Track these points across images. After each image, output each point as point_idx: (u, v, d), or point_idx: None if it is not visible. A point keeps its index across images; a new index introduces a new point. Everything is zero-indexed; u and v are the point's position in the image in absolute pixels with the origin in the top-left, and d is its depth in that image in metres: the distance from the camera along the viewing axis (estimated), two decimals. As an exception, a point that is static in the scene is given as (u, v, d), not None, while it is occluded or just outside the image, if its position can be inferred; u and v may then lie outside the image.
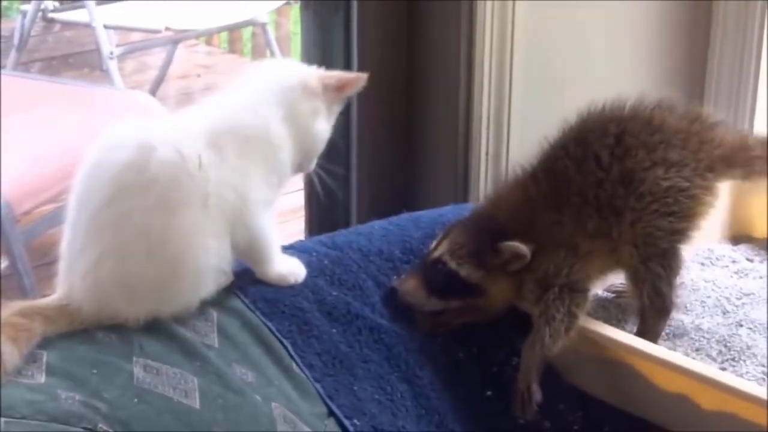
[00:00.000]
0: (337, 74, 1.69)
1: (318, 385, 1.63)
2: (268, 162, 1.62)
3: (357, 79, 1.69)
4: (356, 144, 2.30)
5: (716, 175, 1.76)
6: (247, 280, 1.70)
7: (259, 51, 5.62)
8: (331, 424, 1.60)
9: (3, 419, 1.33)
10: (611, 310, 1.86)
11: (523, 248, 1.69)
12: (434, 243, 1.78)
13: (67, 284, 1.56)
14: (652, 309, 1.77)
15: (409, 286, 1.76)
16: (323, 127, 1.67)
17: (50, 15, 4.57)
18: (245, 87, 1.67)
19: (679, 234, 1.76)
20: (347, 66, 2.27)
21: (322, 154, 1.70)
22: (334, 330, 1.70)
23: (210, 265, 1.57)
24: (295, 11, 5.54)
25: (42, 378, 1.43)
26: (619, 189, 1.71)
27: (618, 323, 1.82)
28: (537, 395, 1.70)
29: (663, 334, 1.80)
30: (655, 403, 1.69)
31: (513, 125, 2.26)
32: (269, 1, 4.85)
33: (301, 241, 1.90)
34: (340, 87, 1.67)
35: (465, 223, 1.79)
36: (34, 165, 3.16)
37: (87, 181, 1.55)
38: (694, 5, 2.46)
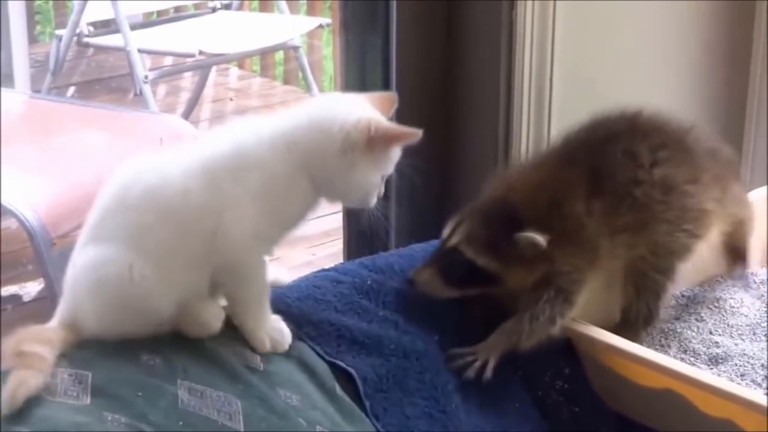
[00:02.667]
0: (385, 128, 1.56)
1: (367, 402, 1.63)
2: (269, 203, 1.55)
3: (409, 134, 1.57)
4: (395, 174, 2.30)
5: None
6: (289, 302, 1.70)
7: (291, 74, 5.65)
8: (378, 443, 1.60)
9: (50, 442, 1.33)
10: (654, 336, 1.85)
11: (539, 239, 1.66)
12: (448, 230, 1.75)
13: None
14: (646, 315, 1.80)
15: (425, 276, 1.74)
16: (362, 179, 1.56)
17: (85, 40, 4.59)
18: (280, 126, 1.58)
19: (690, 253, 1.79)
20: (386, 85, 2.27)
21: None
22: (383, 349, 1.69)
23: (178, 283, 1.54)
24: (327, 35, 5.56)
25: (87, 399, 1.43)
26: (658, 194, 1.72)
27: (661, 348, 1.82)
28: (489, 373, 1.69)
29: (706, 359, 1.79)
30: (698, 429, 1.67)
31: (553, 133, 2.25)
32: (302, 25, 4.86)
33: (342, 264, 1.90)
34: (387, 141, 1.56)
35: (479, 209, 1.76)
36: (69, 188, 3.16)
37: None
38: (736, 5, 2.45)
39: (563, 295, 1.71)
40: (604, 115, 1.80)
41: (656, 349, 1.79)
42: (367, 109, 1.57)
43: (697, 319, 1.89)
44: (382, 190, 1.61)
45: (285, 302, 1.70)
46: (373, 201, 1.60)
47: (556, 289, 1.71)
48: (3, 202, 2.97)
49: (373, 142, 1.54)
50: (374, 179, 1.57)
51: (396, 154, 1.59)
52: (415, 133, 1.56)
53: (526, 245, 1.67)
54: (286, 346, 1.62)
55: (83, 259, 1.55)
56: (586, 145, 1.75)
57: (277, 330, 1.62)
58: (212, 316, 1.59)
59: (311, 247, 4.10)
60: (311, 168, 1.55)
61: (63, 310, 1.57)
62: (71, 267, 1.57)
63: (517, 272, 1.71)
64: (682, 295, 1.95)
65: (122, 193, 1.54)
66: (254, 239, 1.55)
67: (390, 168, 1.59)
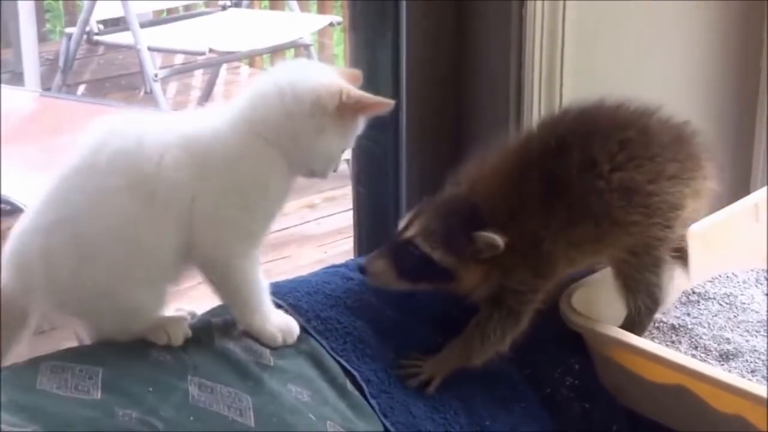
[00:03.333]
0: (358, 95, 1.53)
1: (374, 401, 1.63)
2: (249, 189, 1.53)
3: (380, 104, 1.56)
4: (405, 165, 2.30)
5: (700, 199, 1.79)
6: (299, 296, 1.71)
7: (301, 73, 5.64)
8: (386, 441, 1.60)
9: (62, 436, 1.34)
10: (665, 332, 1.85)
11: (497, 239, 1.63)
12: (404, 222, 1.71)
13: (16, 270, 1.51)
14: (645, 311, 1.78)
15: (378, 266, 1.69)
16: (328, 146, 1.54)
17: (95, 38, 4.60)
18: (250, 94, 1.54)
19: (669, 242, 1.77)
20: (396, 83, 2.27)
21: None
22: (389, 349, 1.69)
23: (141, 259, 1.50)
24: (337, 33, 5.56)
25: (98, 394, 1.43)
26: (618, 200, 1.68)
27: (672, 344, 1.82)
28: (431, 390, 1.67)
29: (717, 355, 1.79)
30: (709, 425, 1.67)
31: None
32: (312, 23, 4.86)
33: (352, 259, 1.91)
34: (358, 109, 1.54)
35: (439, 204, 1.72)
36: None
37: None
38: (747, 5, 2.44)
39: (514, 316, 1.69)
40: (561, 116, 1.76)
41: (667, 345, 1.79)
42: (338, 77, 1.56)
43: (708, 316, 1.88)
44: (339, 163, 1.59)
45: (295, 296, 1.71)
46: (330, 172, 1.59)
47: (507, 309, 1.69)
48: (12, 200, 2.98)
49: (344, 108, 1.52)
50: (338, 148, 1.56)
51: (360, 126, 1.57)
52: (387, 103, 1.56)
53: (485, 245, 1.64)
54: (296, 336, 1.62)
55: (35, 224, 1.51)
56: (544, 152, 1.69)
57: (284, 323, 1.62)
58: (175, 331, 1.56)
59: (322, 245, 4.11)
60: (279, 136, 1.52)
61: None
62: (23, 233, 1.52)
63: (473, 272, 1.68)
64: (693, 292, 1.95)
65: (91, 154, 1.49)
66: (236, 237, 1.54)
67: (352, 141, 1.58)
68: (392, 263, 1.68)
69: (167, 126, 1.53)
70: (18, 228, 1.53)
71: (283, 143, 1.52)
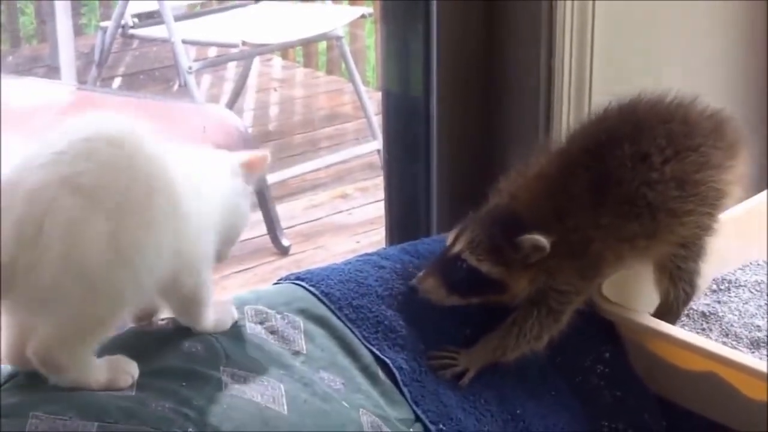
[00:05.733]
0: (245, 154, 1.58)
1: (405, 389, 1.64)
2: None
3: (263, 159, 1.59)
4: (436, 156, 2.31)
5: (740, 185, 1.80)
6: (332, 284, 1.72)
7: (334, 65, 5.66)
8: (417, 428, 1.61)
9: (96, 424, 1.35)
10: (696, 319, 1.85)
11: (542, 240, 1.63)
12: (451, 238, 1.72)
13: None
14: (683, 298, 1.80)
15: (429, 284, 1.71)
16: (242, 206, 1.57)
17: (130, 31, 4.63)
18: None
19: (714, 231, 1.78)
20: (426, 75, 2.27)
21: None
22: (419, 338, 1.70)
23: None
24: (369, 25, 5.57)
25: (132, 391, 1.45)
26: (673, 191, 1.69)
27: (702, 332, 1.82)
28: (465, 382, 1.68)
29: (748, 342, 1.79)
30: (740, 412, 1.67)
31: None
32: (344, 15, 4.87)
33: (384, 248, 1.92)
34: (251, 166, 1.57)
35: (482, 216, 1.72)
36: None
37: None
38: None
39: (554, 315, 1.70)
40: (603, 114, 1.76)
41: (698, 333, 1.80)
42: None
43: (738, 303, 1.89)
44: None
45: (327, 284, 1.71)
46: (228, 255, 1.60)
47: (547, 309, 1.69)
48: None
49: (245, 167, 1.57)
50: (246, 211, 1.59)
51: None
52: (266, 157, 1.59)
53: (530, 248, 1.64)
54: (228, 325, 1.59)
55: None
56: (590, 150, 1.71)
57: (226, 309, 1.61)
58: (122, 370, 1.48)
59: (355, 235, 4.12)
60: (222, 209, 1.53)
61: None
62: None
63: (521, 278, 1.68)
64: (724, 279, 1.95)
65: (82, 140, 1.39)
66: (208, 265, 1.52)
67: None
68: (442, 280, 1.70)
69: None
70: None
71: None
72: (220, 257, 1.56)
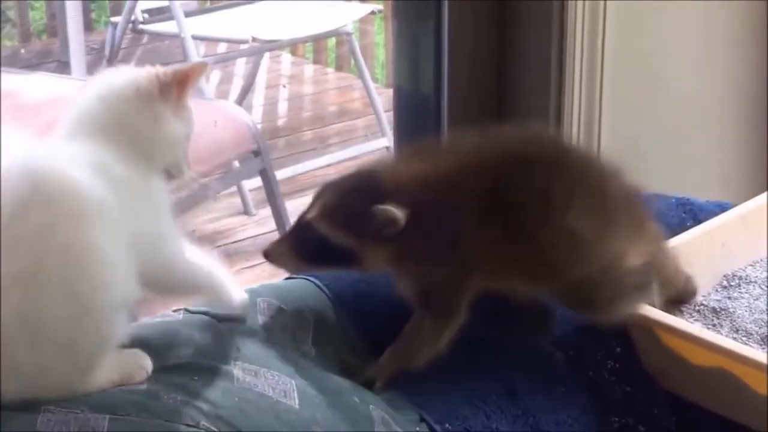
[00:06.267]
0: (172, 69, 1.47)
1: (408, 396, 1.63)
2: (138, 192, 1.44)
3: (196, 67, 1.49)
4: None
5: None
6: (344, 288, 1.72)
7: (343, 60, 5.67)
8: (423, 428, 1.60)
9: (108, 417, 1.35)
10: (706, 315, 1.85)
11: (398, 214, 1.51)
12: (309, 204, 1.61)
13: None
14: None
15: (279, 250, 1.62)
16: (171, 132, 1.47)
17: (140, 26, 4.64)
18: (76, 115, 1.46)
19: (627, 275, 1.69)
20: (437, 73, 2.28)
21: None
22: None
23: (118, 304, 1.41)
24: (378, 21, 5.58)
25: (144, 386, 1.45)
26: (562, 242, 1.59)
27: (713, 327, 1.82)
28: (378, 389, 1.61)
29: (759, 338, 1.79)
30: (750, 408, 1.67)
31: (604, 132, 2.26)
32: (354, 11, 4.88)
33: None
34: (180, 81, 1.47)
35: (341, 181, 1.62)
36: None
37: None
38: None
39: (442, 311, 1.60)
40: (526, 134, 1.66)
41: (708, 329, 1.79)
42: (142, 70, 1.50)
43: (749, 299, 1.89)
44: (189, 160, 1.52)
45: (339, 285, 1.72)
46: (184, 167, 1.51)
47: (435, 307, 1.61)
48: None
49: (167, 87, 1.46)
50: (180, 133, 1.48)
51: (192, 109, 1.51)
52: (202, 64, 1.51)
53: (384, 220, 1.52)
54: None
55: None
56: (499, 162, 1.58)
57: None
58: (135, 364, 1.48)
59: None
60: (129, 141, 1.45)
61: None
62: None
63: (376, 252, 1.57)
64: (734, 275, 1.95)
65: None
66: (167, 244, 1.49)
67: (191, 125, 1.50)
68: (293, 247, 1.61)
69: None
70: None
71: (131, 145, 1.45)
72: (173, 176, 1.50)
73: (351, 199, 1.57)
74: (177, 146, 1.49)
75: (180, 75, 1.46)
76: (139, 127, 1.45)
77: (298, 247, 1.61)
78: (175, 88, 1.46)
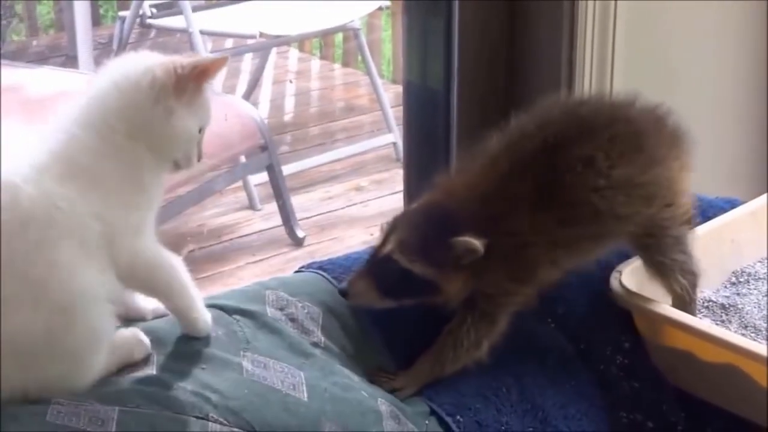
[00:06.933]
0: (191, 61, 1.43)
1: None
2: (124, 185, 1.43)
3: (215, 62, 1.45)
4: (455, 147, 2.31)
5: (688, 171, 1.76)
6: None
7: (350, 56, 5.67)
8: (432, 422, 1.61)
9: (117, 408, 1.36)
10: (715, 311, 1.85)
11: (477, 244, 1.57)
12: (381, 237, 1.64)
13: None
14: (689, 286, 1.77)
15: (360, 287, 1.63)
16: (183, 126, 1.45)
17: (148, 21, 4.64)
18: (87, 97, 1.45)
19: (680, 216, 1.75)
20: (447, 68, 2.28)
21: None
22: (435, 330, 1.69)
23: (101, 302, 1.41)
24: (385, 17, 5.57)
25: (153, 371, 1.46)
26: (620, 196, 1.64)
27: (722, 323, 1.82)
28: (402, 396, 1.63)
29: (767, 335, 1.79)
30: (758, 403, 1.67)
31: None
32: (362, 7, 4.87)
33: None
34: (197, 75, 1.44)
35: (414, 214, 1.66)
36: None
37: None
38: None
39: (488, 319, 1.65)
40: (544, 116, 1.69)
41: (717, 325, 1.79)
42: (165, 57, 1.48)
43: (757, 296, 1.89)
44: (202, 151, 1.51)
45: (347, 273, 1.71)
46: (194, 159, 1.50)
47: (481, 313, 1.64)
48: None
49: (183, 80, 1.43)
50: (193, 128, 1.46)
51: (209, 101, 1.49)
52: (222, 59, 1.47)
53: (463, 251, 1.58)
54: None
55: None
56: (534, 152, 1.64)
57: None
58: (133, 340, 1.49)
59: (369, 227, 4.13)
60: (135, 131, 1.43)
61: None
62: None
63: (454, 280, 1.61)
64: (743, 271, 1.95)
65: None
66: (134, 236, 1.45)
67: (207, 117, 1.48)
68: (373, 282, 1.63)
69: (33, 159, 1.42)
70: None
71: (139, 135, 1.44)
72: (180, 167, 1.49)
73: (428, 231, 1.61)
74: (188, 141, 1.47)
75: (198, 69, 1.44)
76: (151, 120, 1.43)
77: (378, 281, 1.63)
78: (192, 81, 1.44)
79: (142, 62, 1.45)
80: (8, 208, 1.34)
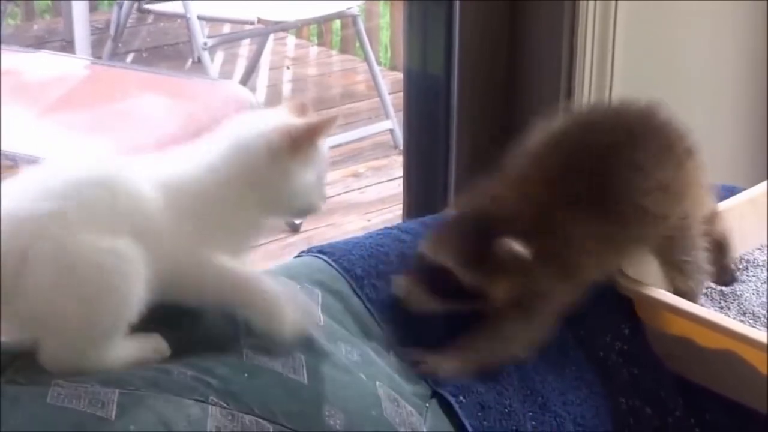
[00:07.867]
0: (305, 125, 1.50)
1: None
2: (221, 226, 1.49)
3: (327, 122, 1.51)
4: (456, 134, 2.31)
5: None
6: (353, 260, 1.72)
7: (348, 42, 5.66)
8: (433, 404, 1.61)
9: (117, 391, 1.36)
10: (714, 297, 1.86)
11: (522, 249, 1.58)
12: (427, 246, 1.67)
13: None
14: (699, 284, 1.81)
15: (410, 290, 1.66)
16: (303, 183, 1.51)
17: (145, 6, 4.64)
18: (208, 159, 1.51)
19: (694, 221, 1.78)
20: (448, 56, 2.28)
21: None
22: (437, 317, 1.69)
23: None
24: (383, 5, 5.57)
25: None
26: (661, 198, 1.69)
27: (720, 310, 1.82)
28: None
29: (766, 321, 1.80)
30: (757, 390, 1.68)
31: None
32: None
33: (404, 222, 1.92)
34: (310, 137, 1.50)
35: (459, 222, 1.69)
36: (129, 152, 3.20)
37: None
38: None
39: (531, 318, 1.67)
40: (587, 119, 1.76)
41: (716, 311, 1.80)
42: (283, 116, 1.54)
43: (756, 283, 1.89)
44: (325, 191, 1.57)
45: (349, 260, 1.71)
46: (321, 203, 1.57)
47: (524, 311, 1.66)
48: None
49: (297, 142, 1.49)
50: (312, 180, 1.53)
51: (325, 150, 1.54)
52: (333, 119, 1.52)
53: (509, 256, 1.59)
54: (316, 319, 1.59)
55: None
56: (580, 155, 1.68)
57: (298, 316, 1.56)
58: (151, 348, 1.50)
59: (367, 213, 4.13)
60: (255, 190, 1.50)
61: None
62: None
63: (500, 284, 1.63)
64: (742, 258, 1.95)
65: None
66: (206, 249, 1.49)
67: (324, 163, 1.54)
68: (422, 285, 1.65)
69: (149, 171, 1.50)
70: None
71: (264, 196, 1.51)
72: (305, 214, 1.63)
73: (475, 237, 1.63)
74: (308, 192, 1.53)
75: (312, 131, 1.50)
76: (269, 180, 1.49)
77: (427, 284, 1.65)
78: (307, 141, 1.50)
79: (256, 126, 1.51)
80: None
